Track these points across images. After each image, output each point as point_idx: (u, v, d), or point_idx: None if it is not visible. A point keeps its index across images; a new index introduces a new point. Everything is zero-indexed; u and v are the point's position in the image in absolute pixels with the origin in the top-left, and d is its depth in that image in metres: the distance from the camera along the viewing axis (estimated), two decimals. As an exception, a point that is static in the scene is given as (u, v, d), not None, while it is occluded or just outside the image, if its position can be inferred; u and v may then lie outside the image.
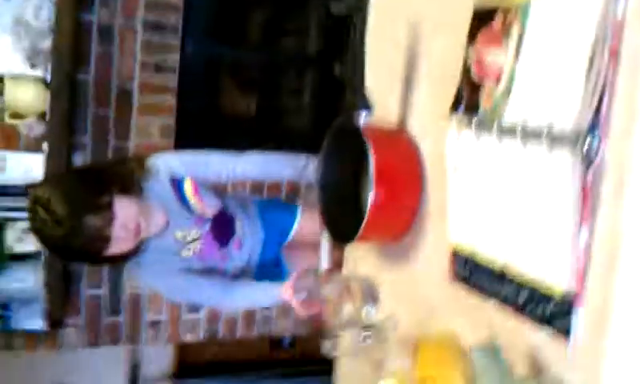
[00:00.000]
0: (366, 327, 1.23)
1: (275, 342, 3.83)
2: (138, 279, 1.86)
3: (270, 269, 1.94)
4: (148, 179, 1.66)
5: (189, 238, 1.76)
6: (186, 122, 2.93)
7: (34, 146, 2.68)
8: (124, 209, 1.55)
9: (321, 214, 1.35)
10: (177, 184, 1.73)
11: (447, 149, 1.10)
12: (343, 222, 1.32)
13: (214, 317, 3.09)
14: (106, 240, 1.52)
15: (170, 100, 2.89)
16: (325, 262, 1.71)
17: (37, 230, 1.55)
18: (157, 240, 1.69)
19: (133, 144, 2.85)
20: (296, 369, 3.86)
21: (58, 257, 1.72)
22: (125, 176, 1.62)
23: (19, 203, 2.62)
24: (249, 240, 1.87)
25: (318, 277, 1.53)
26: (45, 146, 2.57)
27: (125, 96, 2.82)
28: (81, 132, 2.75)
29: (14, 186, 2.60)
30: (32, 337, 2.84)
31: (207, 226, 1.78)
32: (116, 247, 1.56)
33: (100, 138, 2.79)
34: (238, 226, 1.85)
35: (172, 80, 2.88)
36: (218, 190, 1.86)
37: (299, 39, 3.55)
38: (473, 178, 1.06)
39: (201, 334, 3.11)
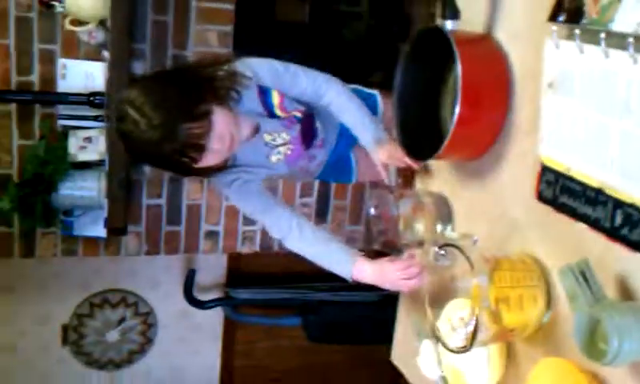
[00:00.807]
0: (441, 246, 1.19)
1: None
2: (223, 193, 1.75)
3: (338, 165, 1.89)
4: (239, 87, 1.57)
5: (279, 141, 1.70)
6: (243, 29, 2.87)
7: (94, 54, 2.67)
8: (221, 121, 1.47)
9: (397, 126, 1.30)
10: (264, 94, 1.67)
11: (544, 61, 1.03)
12: (421, 137, 1.28)
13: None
14: (200, 150, 1.44)
15: (229, 6, 2.82)
16: (394, 174, 1.64)
17: (125, 133, 1.45)
18: (246, 146, 1.63)
19: (191, 52, 2.81)
20: (344, 283, 3.90)
21: (144, 162, 1.65)
22: (219, 83, 1.53)
23: (81, 111, 2.64)
24: (329, 137, 1.81)
25: (389, 191, 1.48)
26: (105, 53, 2.55)
27: (183, 2, 2.77)
28: (140, 40, 2.72)
29: (76, 94, 2.61)
30: (93, 243, 2.91)
31: (296, 129, 1.72)
32: (209, 159, 1.48)
33: (158, 45, 2.76)
34: (319, 124, 1.78)
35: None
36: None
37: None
38: (572, 92, 0.99)
39: (256, 246, 3.14)
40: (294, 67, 1.69)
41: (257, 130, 1.67)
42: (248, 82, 1.59)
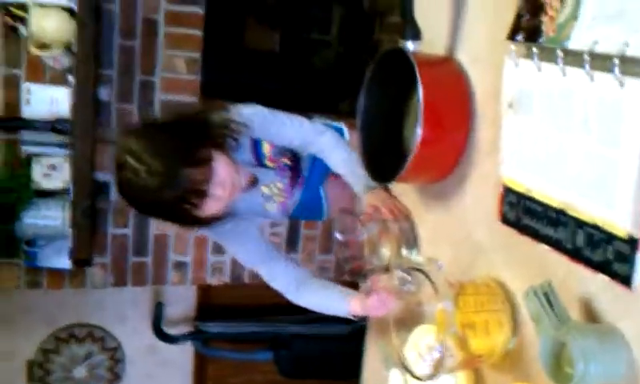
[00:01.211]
0: (405, 270, 1.17)
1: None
2: (219, 242, 1.80)
3: (310, 204, 1.87)
4: (236, 135, 1.56)
5: (275, 190, 1.72)
6: (212, 56, 2.87)
7: (59, 79, 2.64)
8: (222, 167, 1.45)
9: (360, 149, 1.29)
10: (256, 144, 1.67)
11: (504, 80, 1.02)
12: (384, 159, 1.27)
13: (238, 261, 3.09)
14: (202, 195, 1.42)
15: (197, 32, 2.82)
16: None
17: (125, 182, 1.43)
18: (243, 196, 1.63)
19: (159, 78, 2.80)
20: (321, 314, 3.87)
21: (144, 211, 1.57)
22: (217, 131, 1.52)
23: (46, 138, 2.60)
24: (308, 174, 1.81)
25: (355, 217, 1.45)
26: (71, 78, 2.53)
27: (151, 27, 2.76)
28: (107, 65, 2.71)
29: (40, 120, 2.58)
30: (57, 274, 2.85)
31: (287, 176, 1.74)
32: (210, 206, 1.46)
33: (126, 71, 2.75)
34: (302, 163, 1.78)
35: (199, 11, 2.80)
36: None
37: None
38: (532, 112, 0.98)
39: (226, 277, 3.10)
40: (281, 116, 1.68)
41: (255, 182, 1.68)
42: (244, 129, 1.58)
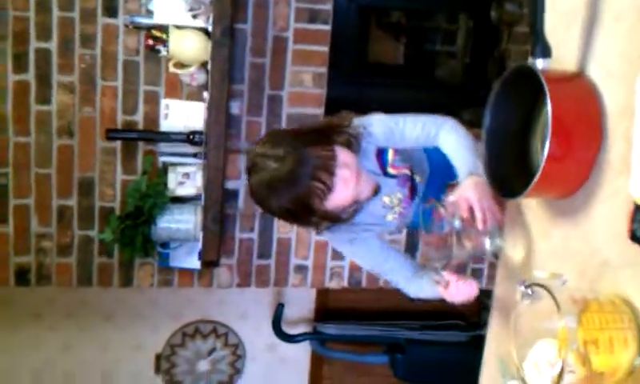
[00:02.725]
0: (528, 285, 1.18)
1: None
2: (340, 249, 1.85)
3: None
4: (358, 136, 1.62)
5: (395, 201, 1.76)
6: (337, 70, 2.95)
7: (195, 95, 2.81)
8: (344, 153, 1.52)
9: (485, 165, 1.30)
10: (381, 153, 1.72)
11: (637, 98, 1.01)
12: (510, 176, 1.28)
13: (357, 265, 3.13)
14: (330, 172, 1.47)
15: (324, 48, 2.91)
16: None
17: (256, 181, 1.51)
18: (365, 207, 1.69)
19: (286, 92, 2.91)
20: (435, 321, 3.86)
21: (275, 209, 1.55)
22: (338, 131, 1.58)
23: (181, 149, 2.77)
24: (422, 188, 1.85)
25: (441, 208, 1.43)
26: (205, 94, 2.68)
27: (280, 44, 2.87)
28: (238, 81, 2.85)
29: (177, 133, 2.75)
30: (187, 274, 3.02)
31: (407, 186, 1.77)
32: (339, 191, 1.51)
33: (256, 86, 2.88)
34: (417, 178, 1.82)
35: (325, 28, 2.89)
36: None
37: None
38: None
39: (344, 282, 3.16)
40: (402, 119, 1.70)
41: (377, 191, 1.72)
42: (364, 132, 1.63)
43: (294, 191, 1.47)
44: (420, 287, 1.76)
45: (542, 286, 1.11)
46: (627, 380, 1.08)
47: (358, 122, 1.66)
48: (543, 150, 1.10)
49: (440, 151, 1.70)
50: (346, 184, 1.52)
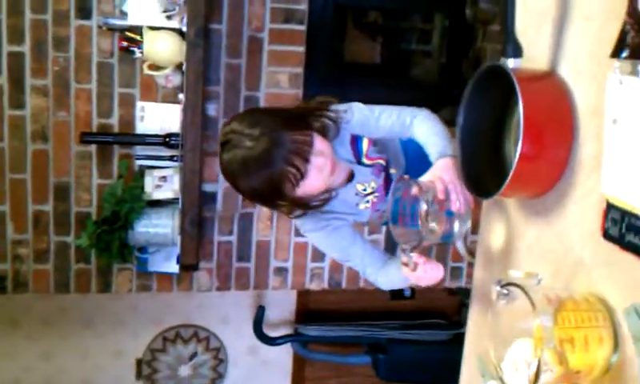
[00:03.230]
0: (504, 285, 1.18)
1: (396, 293, 3.84)
2: (309, 233, 1.77)
3: None
4: (334, 120, 1.61)
5: (369, 189, 1.74)
6: (314, 70, 2.94)
7: (171, 97, 2.79)
8: (320, 141, 1.50)
9: (460, 164, 1.30)
10: (356, 141, 1.70)
11: (606, 97, 1.01)
12: (485, 175, 1.28)
13: (337, 267, 3.13)
14: (305, 158, 1.45)
15: (299, 49, 2.90)
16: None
17: (228, 158, 1.47)
18: (338, 194, 1.66)
19: (263, 93, 2.90)
20: (416, 321, 3.87)
21: (247, 190, 1.53)
22: (314, 115, 1.57)
23: (157, 152, 2.75)
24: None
25: (415, 186, 1.40)
26: (181, 96, 2.66)
27: (255, 45, 2.86)
28: (214, 82, 2.83)
29: (153, 136, 2.72)
30: (166, 279, 3.01)
31: (382, 177, 1.75)
32: (312, 178, 1.49)
33: (232, 87, 2.86)
34: (393, 170, 1.80)
35: (301, 28, 2.88)
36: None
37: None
38: (637, 129, 0.97)
39: (324, 283, 3.16)
40: (378, 109, 1.70)
41: (351, 177, 1.71)
42: (341, 117, 1.62)
43: (265, 173, 1.45)
44: (387, 275, 1.71)
45: (517, 285, 1.11)
46: (604, 378, 1.09)
47: (334, 108, 1.65)
48: (516, 149, 1.10)
49: (417, 145, 1.69)
50: (319, 172, 1.50)
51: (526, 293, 1.08)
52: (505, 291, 1.15)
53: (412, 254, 1.42)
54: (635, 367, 0.93)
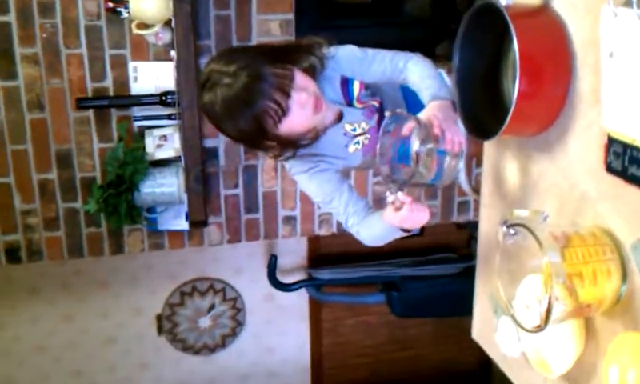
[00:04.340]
0: (510, 225, 1.17)
1: (404, 231, 3.83)
2: (296, 175, 1.72)
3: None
4: (320, 58, 1.57)
5: (358, 130, 1.69)
6: (304, 15, 2.88)
7: (163, 55, 2.74)
8: (302, 78, 1.47)
9: (458, 105, 1.28)
10: (346, 83, 1.66)
11: (601, 31, 0.99)
12: (484, 116, 1.26)
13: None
14: (286, 93, 1.43)
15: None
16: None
17: (209, 98, 1.45)
18: (326, 134, 1.63)
19: (254, 42, 2.84)
20: (426, 256, 3.89)
21: (229, 129, 1.50)
22: (309, 54, 1.54)
23: (155, 111, 2.73)
24: None
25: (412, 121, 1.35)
26: (173, 53, 2.62)
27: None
28: (204, 36, 2.78)
29: (148, 95, 2.69)
30: (177, 236, 3.02)
31: (374, 119, 1.71)
32: (295, 115, 1.46)
33: (223, 40, 2.81)
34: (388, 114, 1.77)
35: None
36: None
37: None
38: (633, 60, 0.95)
39: (333, 228, 3.17)
40: (371, 51, 1.67)
41: (340, 117, 1.67)
42: (331, 61, 1.59)
43: (246, 110, 1.43)
44: (370, 227, 1.66)
45: (522, 225, 1.11)
46: (614, 309, 1.09)
47: (326, 50, 1.62)
48: (514, 88, 1.08)
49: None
50: (301, 108, 1.47)
51: (531, 232, 1.07)
52: (512, 231, 1.15)
53: (399, 193, 1.36)
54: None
